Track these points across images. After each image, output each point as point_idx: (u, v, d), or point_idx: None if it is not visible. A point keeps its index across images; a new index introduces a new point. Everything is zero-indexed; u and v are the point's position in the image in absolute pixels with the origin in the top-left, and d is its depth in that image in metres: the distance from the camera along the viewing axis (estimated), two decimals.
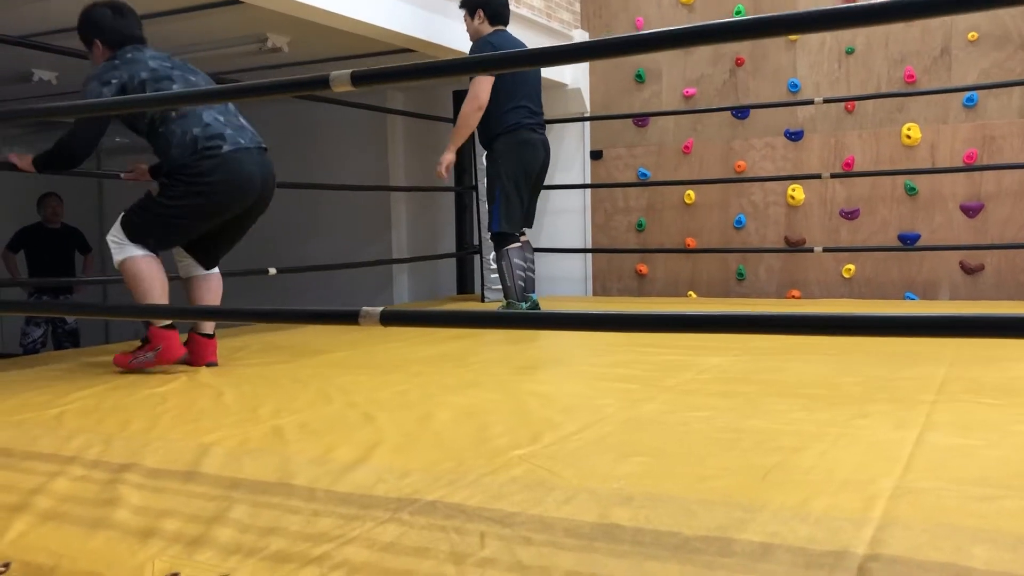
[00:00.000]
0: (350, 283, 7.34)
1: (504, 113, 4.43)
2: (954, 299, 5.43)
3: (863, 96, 5.55)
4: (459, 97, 6.26)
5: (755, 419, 2.20)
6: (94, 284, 8.34)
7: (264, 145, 3.24)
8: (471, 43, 4.54)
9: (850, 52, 5.66)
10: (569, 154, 6.52)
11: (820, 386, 2.63)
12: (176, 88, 3.05)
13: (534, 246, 6.35)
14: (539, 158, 4.58)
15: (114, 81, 3.02)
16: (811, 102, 5.59)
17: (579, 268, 6.56)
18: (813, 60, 5.77)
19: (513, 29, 5.56)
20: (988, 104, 5.37)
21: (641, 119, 6.27)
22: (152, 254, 3.13)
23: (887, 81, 5.58)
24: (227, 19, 4.74)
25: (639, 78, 6.29)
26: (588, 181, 6.47)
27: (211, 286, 3.37)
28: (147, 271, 3.08)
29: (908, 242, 5.54)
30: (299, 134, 7.61)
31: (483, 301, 6.00)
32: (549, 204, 6.58)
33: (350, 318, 1.59)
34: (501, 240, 4.44)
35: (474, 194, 6.24)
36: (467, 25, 4.57)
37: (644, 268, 6.34)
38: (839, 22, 1.58)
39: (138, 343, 3.25)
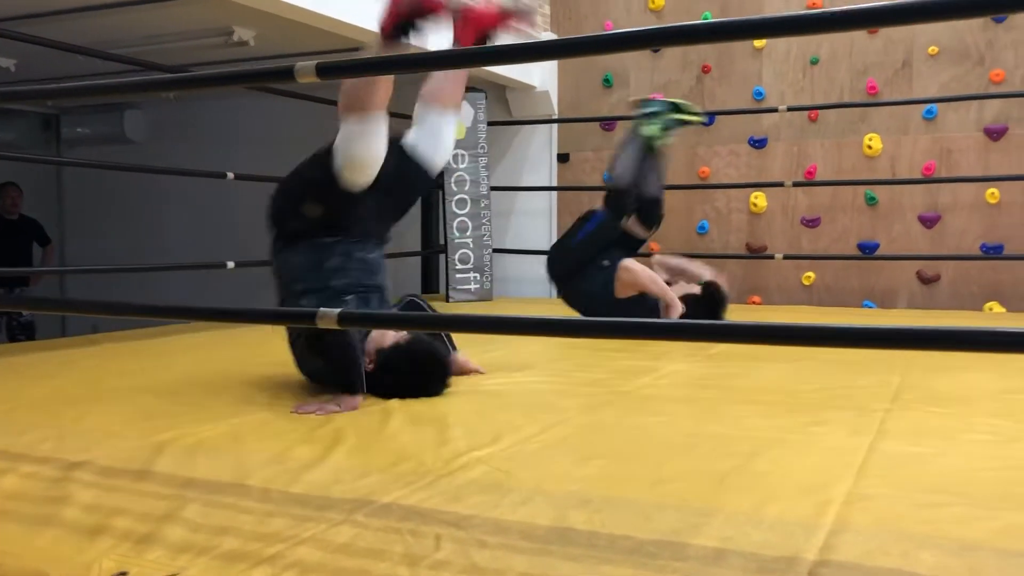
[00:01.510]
0: None
1: None
2: (911, 308, 5.52)
3: (826, 106, 5.63)
4: None
5: (713, 424, 2.22)
6: (51, 275, 8.20)
7: None
8: None
9: (814, 62, 5.73)
10: (536, 156, 6.53)
11: (778, 392, 2.66)
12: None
13: (498, 247, 6.36)
14: None
15: None
16: (775, 110, 5.66)
17: (545, 270, 6.56)
18: (778, 69, 5.84)
19: None
20: (947, 117, 5.47)
21: (608, 123, 6.30)
22: None
23: (850, 92, 5.66)
24: (192, 11, 4.68)
25: (607, 82, 6.32)
26: (555, 183, 6.49)
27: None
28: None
29: (867, 251, 5.62)
30: (270, 126, 7.55)
31: (448, 301, 5.99)
32: (516, 205, 6.59)
33: (307, 318, 1.58)
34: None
35: (440, 193, 6.22)
36: None
37: None
38: (799, 28, 1.60)
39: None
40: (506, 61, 2.03)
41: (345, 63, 1.59)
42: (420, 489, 1.63)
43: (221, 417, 2.28)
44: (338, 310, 1.64)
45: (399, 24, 2.50)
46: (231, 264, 4.43)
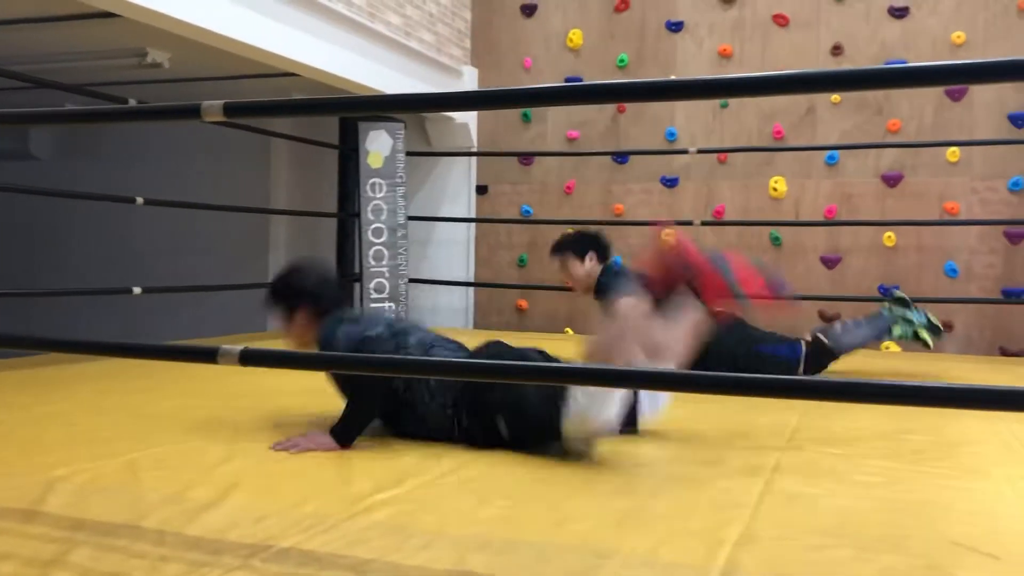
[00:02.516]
0: (224, 305, 7.14)
1: None
2: None
3: (734, 149, 5.83)
4: (344, 122, 6.24)
5: (615, 464, 2.26)
6: None
7: None
8: (584, 285, 4.18)
9: (724, 107, 5.93)
10: (456, 187, 6.57)
11: (680, 431, 2.72)
12: (412, 340, 2.51)
13: (415, 277, 6.36)
14: None
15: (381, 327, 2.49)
16: (686, 151, 5.83)
17: (461, 300, 6.59)
18: (690, 112, 6.02)
19: (403, 62, 5.60)
20: (847, 163, 5.72)
21: (526, 158, 6.38)
22: None
23: (757, 136, 5.87)
24: (106, 31, 4.58)
25: (525, 117, 6.41)
26: (473, 215, 6.53)
27: None
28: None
29: None
30: (179, 148, 7.41)
31: None
32: (434, 235, 6.60)
33: (207, 357, 1.56)
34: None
35: (356, 221, 6.19)
36: (573, 269, 4.17)
37: (524, 303, 6.43)
38: (720, 91, 1.67)
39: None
40: (437, 109, 2.05)
41: (254, 104, 1.59)
42: (320, 533, 1.62)
43: (119, 452, 2.22)
44: (241, 348, 1.63)
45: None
46: (138, 290, 4.31)
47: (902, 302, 4.09)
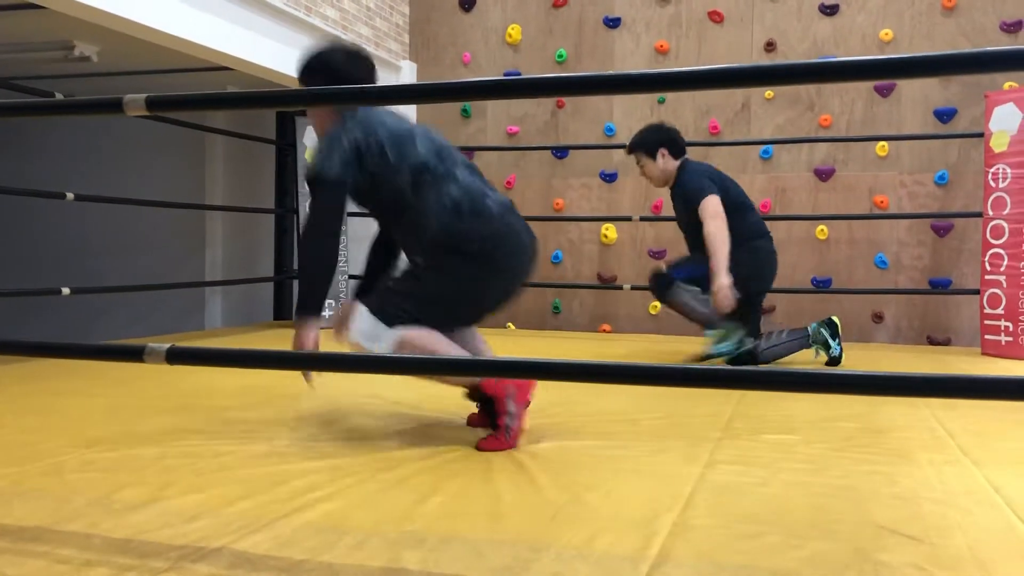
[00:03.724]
0: (160, 304, 7.00)
1: (741, 223, 4.08)
2: None
3: None
4: (282, 117, 6.16)
5: (554, 456, 2.27)
6: None
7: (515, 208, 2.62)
8: (660, 182, 4.24)
9: (661, 102, 6.00)
10: None
11: (620, 421, 2.75)
12: (422, 147, 2.46)
13: (355, 273, 6.30)
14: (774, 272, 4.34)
15: (352, 152, 2.39)
16: (624, 146, 5.87)
17: None
18: (628, 107, 6.07)
19: None
20: (781, 158, 5.84)
21: (466, 152, 6.37)
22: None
23: (694, 130, 5.95)
24: (30, 23, 4.45)
25: (465, 112, 6.40)
26: None
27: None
28: (425, 336, 2.38)
29: None
30: (110, 142, 7.23)
31: None
32: (370, 231, 6.54)
33: (134, 355, 1.52)
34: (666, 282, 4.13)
35: (295, 217, 6.12)
36: (647, 169, 4.23)
37: None
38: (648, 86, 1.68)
39: (486, 423, 2.56)
40: (375, 102, 2.02)
41: (175, 97, 1.56)
42: (253, 532, 1.60)
43: (45, 454, 2.16)
44: (168, 346, 1.60)
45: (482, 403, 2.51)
46: (66, 290, 4.20)
47: (832, 327, 4.17)
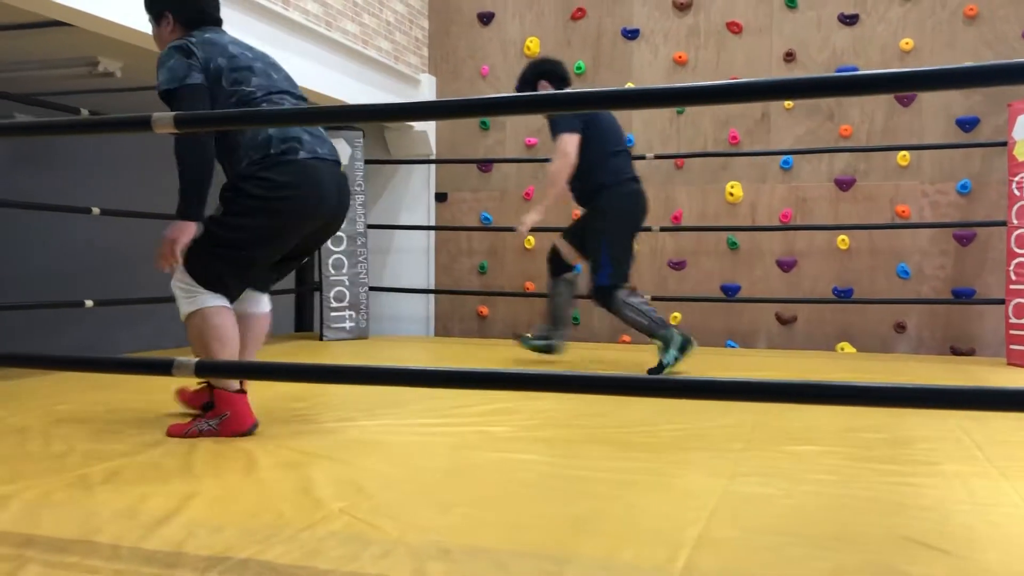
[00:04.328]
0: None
1: (603, 164, 4.17)
2: (771, 347, 5.79)
3: (691, 154, 5.89)
4: None
5: (574, 466, 2.27)
6: None
7: (338, 159, 2.80)
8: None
9: (681, 113, 6.00)
10: (415, 195, 6.56)
11: (639, 432, 2.75)
12: (256, 81, 2.62)
13: (375, 285, 6.34)
14: (645, 210, 4.37)
15: (194, 59, 2.56)
16: (644, 157, 5.88)
17: (422, 308, 6.58)
18: (647, 118, 6.08)
19: (360, 70, 5.58)
20: (802, 168, 5.82)
21: (485, 164, 6.40)
22: (228, 305, 2.62)
23: (713, 141, 5.94)
24: (56, 40, 4.50)
25: (484, 125, 6.42)
26: (433, 222, 6.53)
27: (258, 330, 2.87)
28: (221, 329, 2.55)
29: (729, 293, 5.88)
30: (135, 157, 7.30)
31: (322, 339, 5.90)
32: (394, 243, 6.58)
33: (162, 369, 1.54)
34: (609, 292, 4.13)
35: None
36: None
37: (485, 310, 6.43)
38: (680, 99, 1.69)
39: (193, 410, 2.80)
40: (390, 119, 2.05)
41: (206, 115, 1.58)
42: (279, 543, 1.61)
43: (71, 466, 2.18)
44: (196, 359, 1.61)
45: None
46: (90, 303, 4.24)
47: (684, 347, 4.09)
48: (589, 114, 4.14)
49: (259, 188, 2.55)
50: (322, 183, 2.65)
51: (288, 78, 2.80)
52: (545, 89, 4.25)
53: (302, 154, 2.60)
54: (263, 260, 2.69)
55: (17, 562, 1.49)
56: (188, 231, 2.49)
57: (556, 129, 4.14)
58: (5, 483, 2.01)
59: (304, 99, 2.79)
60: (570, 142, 4.10)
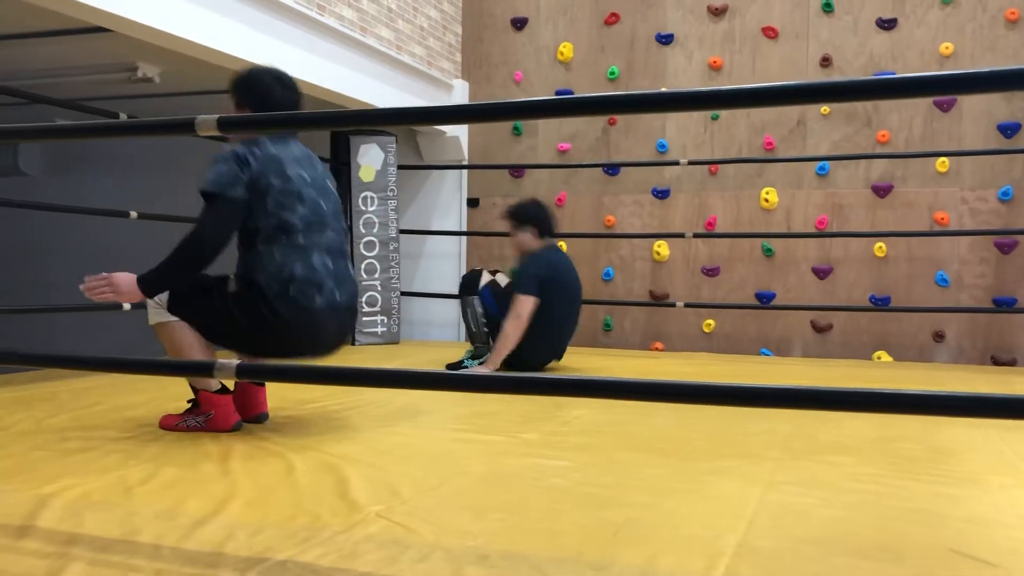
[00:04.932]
0: None
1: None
2: (806, 356, 5.73)
3: (726, 160, 5.85)
4: (336, 136, 6.25)
5: (610, 473, 2.26)
6: None
7: (355, 302, 2.86)
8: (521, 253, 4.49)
9: (715, 118, 5.96)
10: (447, 200, 6.58)
11: (674, 440, 2.73)
12: (302, 211, 2.64)
13: (406, 290, 6.36)
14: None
15: (245, 172, 2.57)
16: (677, 163, 5.85)
17: (452, 313, 6.58)
18: (681, 123, 6.05)
19: (394, 76, 5.62)
20: (838, 174, 5.75)
21: (517, 170, 6.40)
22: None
23: (748, 147, 5.90)
24: (95, 46, 4.58)
25: (516, 130, 6.43)
26: (464, 228, 6.54)
27: None
28: (191, 335, 2.66)
29: (764, 300, 5.83)
30: (170, 162, 7.39)
31: (354, 344, 5.93)
32: (425, 248, 6.60)
33: (205, 370, 1.55)
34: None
35: (348, 234, 6.19)
36: (514, 236, 4.50)
37: None
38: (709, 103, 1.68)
39: (186, 404, 2.85)
40: (422, 122, 2.06)
41: (246, 118, 1.59)
42: (317, 545, 1.61)
43: (111, 467, 2.21)
44: (237, 362, 1.62)
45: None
46: (127, 306, 4.29)
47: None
48: (550, 274, 4.30)
49: (264, 310, 2.60)
50: (323, 331, 2.72)
51: (337, 209, 2.83)
52: (533, 235, 4.43)
53: (318, 301, 2.64)
54: (238, 351, 2.74)
55: (63, 560, 1.51)
56: (130, 295, 2.50)
57: (518, 289, 4.25)
58: (47, 483, 2.03)
59: (347, 231, 2.84)
60: (524, 305, 4.20)
